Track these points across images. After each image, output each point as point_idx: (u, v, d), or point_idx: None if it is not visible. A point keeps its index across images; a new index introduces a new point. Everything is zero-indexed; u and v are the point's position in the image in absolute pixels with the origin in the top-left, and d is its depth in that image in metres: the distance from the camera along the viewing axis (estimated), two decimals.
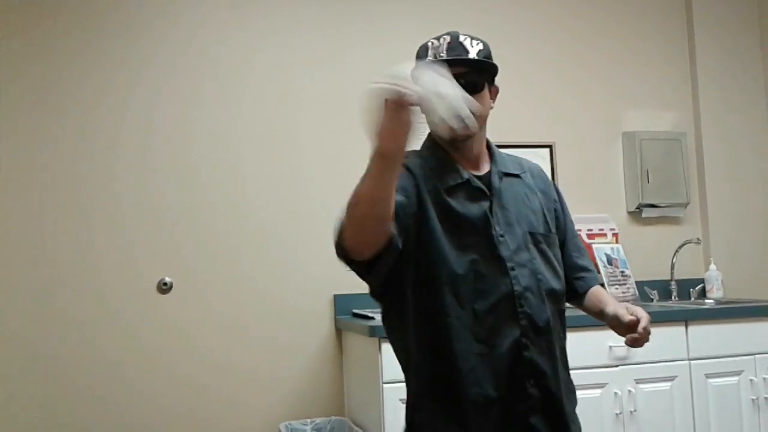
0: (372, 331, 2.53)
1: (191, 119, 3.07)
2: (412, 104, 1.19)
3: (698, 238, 3.52)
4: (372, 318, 2.71)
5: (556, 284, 1.56)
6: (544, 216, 1.61)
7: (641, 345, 1.47)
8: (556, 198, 1.71)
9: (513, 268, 1.49)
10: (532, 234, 1.55)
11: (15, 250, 2.84)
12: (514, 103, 3.38)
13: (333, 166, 3.18)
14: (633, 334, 1.46)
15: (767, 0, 3.79)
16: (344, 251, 1.37)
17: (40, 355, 2.82)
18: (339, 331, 3.13)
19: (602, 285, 1.73)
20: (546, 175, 1.73)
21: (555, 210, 1.68)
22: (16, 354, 2.80)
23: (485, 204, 1.53)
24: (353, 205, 1.29)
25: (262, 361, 3.04)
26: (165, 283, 2.96)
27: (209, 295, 3.01)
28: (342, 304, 3.11)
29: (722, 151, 3.70)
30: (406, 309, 1.51)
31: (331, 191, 3.16)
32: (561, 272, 1.61)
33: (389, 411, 2.48)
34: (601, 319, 1.60)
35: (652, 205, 3.56)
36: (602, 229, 3.44)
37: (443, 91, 1.23)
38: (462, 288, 1.46)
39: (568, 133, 3.53)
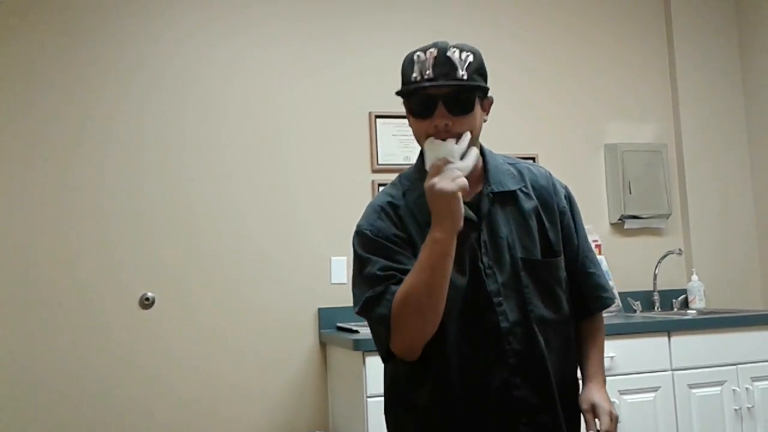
0: (356, 345, 2.52)
1: (177, 133, 3.06)
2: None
3: (680, 249, 3.54)
4: (356, 331, 2.70)
5: (551, 313, 1.45)
6: (545, 236, 1.49)
7: None
8: (565, 206, 1.56)
9: (500, 303, 1.40)
10: (525, 261, 1.43)
11: None
12: (498, 115, 3.36)
13: (318, 181, 3.18)
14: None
15: (746, 12, 3.84)
16: (391, 356, 1.41)
17: (22, 370, 2.77)
18: (323, 344, 3.11)
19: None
20: (553, 182, 1.58)
21: (561, 222, 1.53)
22: None
23: (473, 234, 1.42)
24: (407, 302, 1.32)
25: (246, 375, 3.01)
26: (147, 298, 2.93)
27: (192, 309, 2.98)
28: (326, 318, 3.09)
29: (703, 162, 3.74)
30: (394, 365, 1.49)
31: (316, 205, 3.16)
32: (563, 296, 1.49)
33: (373, 425, 2.47)
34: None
35: (635, 217, 3.59)
36: None
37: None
38: (447, 329, 1.38)
39: (551, 144, 3.55)
